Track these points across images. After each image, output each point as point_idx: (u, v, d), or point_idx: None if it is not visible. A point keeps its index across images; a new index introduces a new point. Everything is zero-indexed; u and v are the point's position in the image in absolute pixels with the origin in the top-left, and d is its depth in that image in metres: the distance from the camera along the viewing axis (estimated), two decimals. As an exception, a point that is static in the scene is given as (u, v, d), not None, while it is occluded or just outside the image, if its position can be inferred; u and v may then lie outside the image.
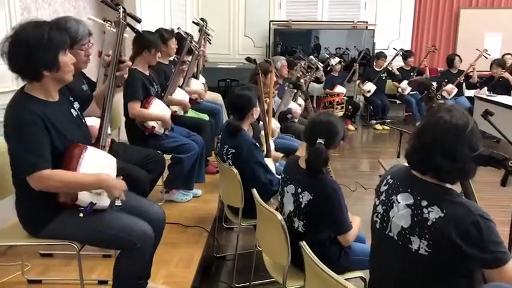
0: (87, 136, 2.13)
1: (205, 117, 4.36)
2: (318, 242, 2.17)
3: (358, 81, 7.93)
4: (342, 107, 7.45)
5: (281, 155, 3.70)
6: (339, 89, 7.42)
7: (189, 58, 4.19)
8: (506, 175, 1.33)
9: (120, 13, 2.39)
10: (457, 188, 1.66)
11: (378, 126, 7.75)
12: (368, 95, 7.76)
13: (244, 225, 2.90)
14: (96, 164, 1.98)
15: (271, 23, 8.49)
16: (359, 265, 2.24)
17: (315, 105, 7.74)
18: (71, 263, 2.65)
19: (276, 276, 2.34)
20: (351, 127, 7.73)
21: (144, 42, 3.34)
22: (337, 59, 7.59)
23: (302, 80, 5.14)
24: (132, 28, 2.66)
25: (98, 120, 2.30)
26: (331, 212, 2.17)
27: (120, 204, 1.97)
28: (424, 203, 1.54)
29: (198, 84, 4.68)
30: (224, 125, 3.24)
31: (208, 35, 4.99)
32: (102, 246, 2.22)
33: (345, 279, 2.21)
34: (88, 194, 1.91)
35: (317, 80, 7.41)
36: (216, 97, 5.31)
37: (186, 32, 4.19)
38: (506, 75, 6.91)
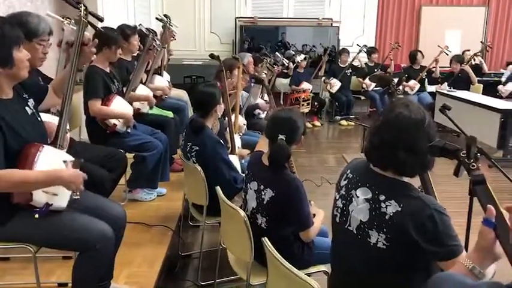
0: (43, 134, 2.07)
1: (170, 114, 4.30)
2: (281, 238, 2.18)
3: (323, 78, 8.01)
4: (308, 103, 7.50)
5: (247, 151, 3.69)
6: (305, 85, 7.47)
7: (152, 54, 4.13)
8: (459, 166, 1.36)
9: (81, 11, 2.32)
10: (415, 181, 1.70)
11: (343, 122, 7.86)
12: (333, 91, 7.85)
13: (209, 223, 2.89)
14: (53, 163, 1.92)
15: (237, 20, 8.47)
16: (322, 259, 2.27)
17: (282, 102, 7.77)
18: (29, 266, 2.55)
19: (240, 272, 2.34)
20: (317, 123, 7.81)
21: (104, 38, 3.26)
22: (302, 56, 7.64)
23: (264, 76, 5.13)
24: (94, 27, 2.59)
25: (55, 117, 2.23)
26: (293, 209, 2.18)
27: (79, 197, 1.91)
28: (382, 198, 1.56)
29: (162, 81, 4.62)
30: (188, 122, 3.20)
31: (172, 32, 4.92)
32: (60, 248, 2.16)
33: (308, 273, 2.26)
34: (43, 194, 1.85)
35: (284, 75, 7.44)
36: (181, 94, 5.26)
37: (148, 29, 4.12)
38: (467, 68, 7.12)
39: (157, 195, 3.68)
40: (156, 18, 4.87)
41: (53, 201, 1.88)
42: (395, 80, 2.37)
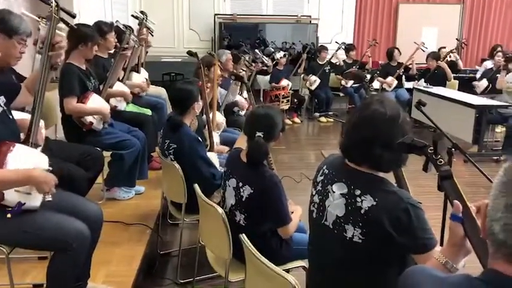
0: (15, 132, 2.03)
1: (148, 112, 4.26)
2: (259, 234, 2.19)
3: (303, 75, 8.05)
4: (288, 100, 7.52)
5: (227, 148, 3.69)
6: (285, 82, 7.50)
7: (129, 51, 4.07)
8: (427, 161, 1.38)
9: (52, 7, 2.28)
10: (390, 177, 1.72)
11: (323, 119, 7.91)
12: (312, 88, 7.89)
13: (188, 220, 2.88)
14: (26, 162, 1.88)
15: (216, 17, 8.43)
16: (300, 255, 2.28)
17: (261, 99, 7.78)
18: (3, 267, 2.51)
19: (218, 270, 2.34)
20: (296, 120, 7.84)
21: (80, 35, 3.21)
22: (282, 53, 7.66)
23: (244, 72, 5.13)
24: (66, 23, 2.54)
25: (29, 115, 2.19)
26: (271, 205, 2.18)
27: (51, 199, 1.87)
28: (358, 192, 1.57)
29: (139, 78, 4.58)
30: (166, 119, 3.18)
31: (149, 29, 4.87)
32: (34, 249, 2.13)
33: (287, 269, 2.28)
34: (16, 193, 1.82)
35: (264, 72, 7.45)
36: (160, 91, 5.21)
37: (125, 25, 4.06)
38: (443, 65, 7.24)
39: (136, 194, 3.64)
40: (132, 16, 4.82)
41: (26, 201, 1.85)
42: (368, 76, 2.40)
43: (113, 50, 4.12)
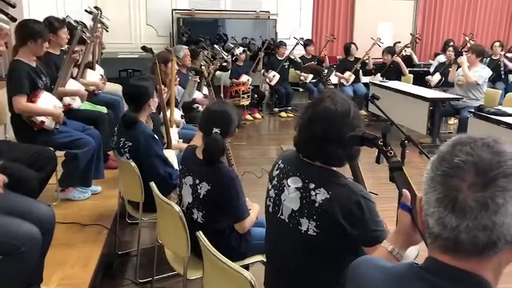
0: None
1: (103, 109, 4.16)
2: (218, 231, 2.18)
3: (262, 71, 8.06)
4: (248, 96, 7.52)
5: (186, 145, 3.64)
6: (245, 78, 7.49)
7: (82, 47, 3.96)
8: (379, 153, 1.41)
9: None
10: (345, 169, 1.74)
11: (283, 114, 7.96)
12: (272, 83, 7.92)
13: (146, 219, 2.84)
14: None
15: (173, 12, 8.32)
16: (260, 249, 2.28)
17: (222, 95, 7.75)
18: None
19: (177, 268, 2.32)
20: (257, 115, 7.86)
21: (29, 31, 3.09)
22: (241, 49, 7.65)
23: (203, 68, 5.09)
24: (6, 14, 2.43)
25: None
26: (228, 201, 2.18)
27: None
28: (312, 186, 1.59)
29: (94, 75, 4.45)
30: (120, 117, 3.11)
31: (104, 24, 4.75)
32: (-19, 254, 2.03)
33: (246, 264, 2.28)
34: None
35: (223, 68, 7.41)
36: (116, 88, 5.09)
37: (76, 21, 3.94)
38: (398, 59, 7.44)
39: (92, 194, 3.54)
40: (86, 11, 4.68)
41: (-30, 205, 1.77)
42: (326, 70, 2.43)
43: (65, 46, 3.99)
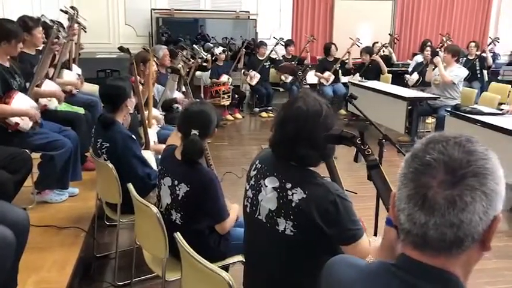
0: None
1: (81, 110, 4.10)
2: (197, 232, 2.17)
3: (243, 70, 8.06)
4: (229, 96, 7.50)
5: (164, 146, 3.62)
6: (225, 78, 7.47)
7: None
8: (357, 152, 1.43)
9: None
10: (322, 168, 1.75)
11: (264, 114, 7.97)
12: (253, 83, 7.92)
13: (124, 221, 2.80)
14: None
15: (153, 11, 8.25)
16: (240, 250, 2.28)
17: (202, 95, 7.71)
18: None
19: (156, 270, 2.30)
20: (238, 115, 7.85)
21: (2, 32, 3.03)
22: (221, 48, 7.63)
23: (180, 66, 5.05)
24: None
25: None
26: (208, 202, 2.17)
27: None
28: (289, 186, 1.60)
29: (71, 75, 4.39)
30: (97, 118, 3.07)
31: (80, 24, 4.68)
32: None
33: (225, 265, 2.28)
34: None
35: (203, 68, 7.38)
36: (94, 89, 5.01)
37: (52, 20, 3.88)
38: (377, 59, 7.52)
39: (69, 196, 3.49)
40: (61, 10, 4.60)
41: None
42: (301, 71, 2.45)
43: (41, 46, 3.92)
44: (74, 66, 4.61)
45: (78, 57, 4.94)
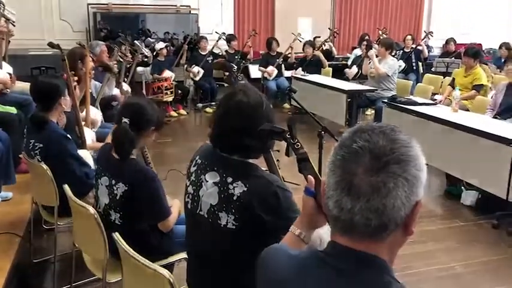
0: None
1: (13, 110, 3.89)
2: (137, 231, 2.13)
3: (185, 65, 7.96)
4: (172, 92, 7.37)
5: (101, 145, 3.50)
6: (167, 73, 7.34)
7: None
8: (288, 146, 1.45)
9: None
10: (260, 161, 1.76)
11: (209, 109, 7.92)
12: (197, 78, 7.85)
13: (63, 224, 2.71)
14: None
15: (89, 6, 7.96)
16: (183, 247, 2.25)
17: (144, 91, 7.54)
18: None
19: (96, 272, 2.24)
20: (182, 111, 7.75)
21: None
22: (162, 44, 7.48)
23: (114, 63, 4.90)
24: None
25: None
26: (148, 201, 2.13)
27: None
28: (230, 180, 1.60)
29: (1, 73, 4.14)
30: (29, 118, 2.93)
31: (9, 19, 4.43)
32: None
33: (170, 263, 2.24)
34: None
35: (144, 63, 7.22)
36: (27, 87, 4.72)
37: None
38: (318, 53, 7.69)
39: (2, 200, 3.31)
40: (-16, 5, 4.34)
41: None
42: (235, 67, 2.46)
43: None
44: (4, 64, 4.36)
45: (7, 54, 4.68)
